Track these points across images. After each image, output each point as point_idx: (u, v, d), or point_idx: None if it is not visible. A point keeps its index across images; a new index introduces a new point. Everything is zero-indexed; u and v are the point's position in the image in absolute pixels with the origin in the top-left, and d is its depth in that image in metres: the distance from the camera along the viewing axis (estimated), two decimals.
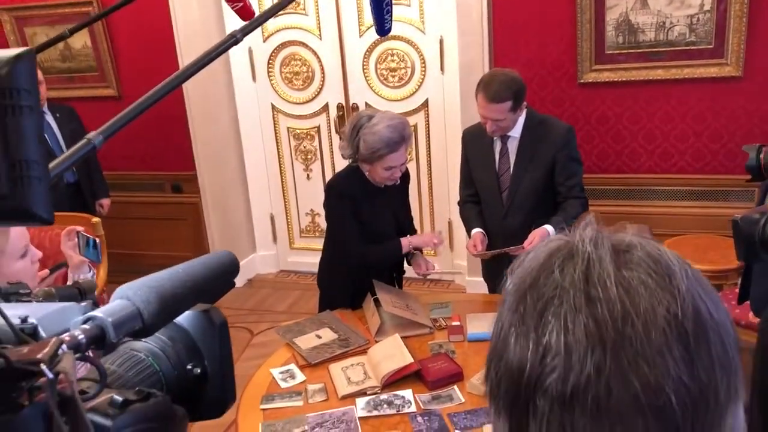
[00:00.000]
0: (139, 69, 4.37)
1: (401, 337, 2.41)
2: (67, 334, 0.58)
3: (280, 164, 4.74)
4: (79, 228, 2.63)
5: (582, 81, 3.65)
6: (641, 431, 0.53)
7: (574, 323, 0.54)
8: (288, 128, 4.63)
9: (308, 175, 4.70)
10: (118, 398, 0.64)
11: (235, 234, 4.80)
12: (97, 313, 0.62)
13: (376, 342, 2.46)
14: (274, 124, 4.65)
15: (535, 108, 2.88)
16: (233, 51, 4.41)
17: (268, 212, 4.87)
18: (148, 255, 4.83)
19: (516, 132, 2.66)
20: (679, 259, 0.58)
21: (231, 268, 0.81)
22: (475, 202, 2.86)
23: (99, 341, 0.60)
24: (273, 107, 4.61)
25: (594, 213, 0.68)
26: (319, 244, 4.11)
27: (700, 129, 3.56)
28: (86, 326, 0.60)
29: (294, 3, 4.31)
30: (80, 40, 4.47)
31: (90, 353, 0.60)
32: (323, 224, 4.76)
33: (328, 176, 4.55)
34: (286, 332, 2.62)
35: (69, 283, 2.58)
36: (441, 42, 4.06)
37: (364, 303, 2.76)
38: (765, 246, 1.30)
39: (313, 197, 4.70)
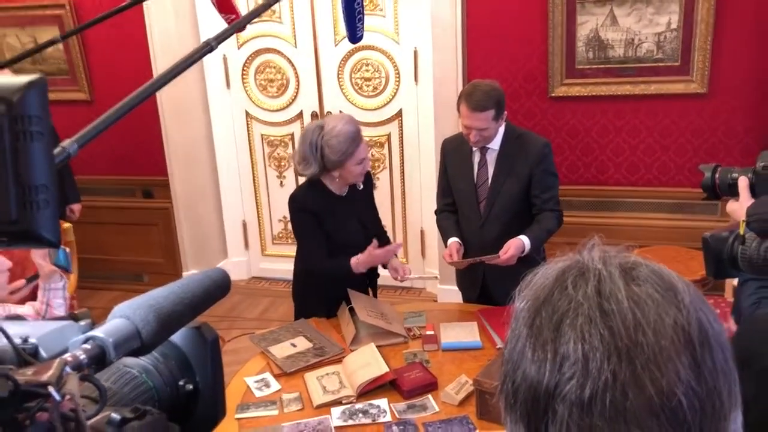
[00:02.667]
0: (112, 73, 4.32)
1: (376, 347, 2.43)
2: (69, 354, 0.59)
3: (253, 171, 4.73)
4: None
5: (553, 95, 3.72)
6: None
7: (590, 333, 0.59)
8: (262, 135, 4.63)
9: (281, 182, 4.70)
10: (116, 416, 0.65)
11: (207, 240, 4.77)
12: (98, 332, 0.63)
13: (351, 351, 2.47)
14: (248, 130, 4.64)
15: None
16: (207, 57, 4.38)
17: (240, 219, 4.86)
18: (118, 260, 4.79)
19: (495, 144, 2.71)
20: (679, 276, 0.63)
21: (223, 285, 0.82)
22: (452, 212, 2.89)
23: (99, 361, 0.62)
24: (247, 114, 4.60)
25: (598, 236, 0.72)
26: (291, 251, 4.11)
27: (666, 143, 3.65)
28: (87, 346, 0.61)
29: (269, 11, 4.31)
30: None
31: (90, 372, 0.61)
32: None
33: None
34: (261, 340, 2.62)
35: (40, 293, 2.54)
36: (415, 53, 4.11)
37: (338, 312, 2.77)
38: (733, 263, 1.36)
39: (285, 204, 4.61)
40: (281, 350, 2.54)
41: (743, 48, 3.39)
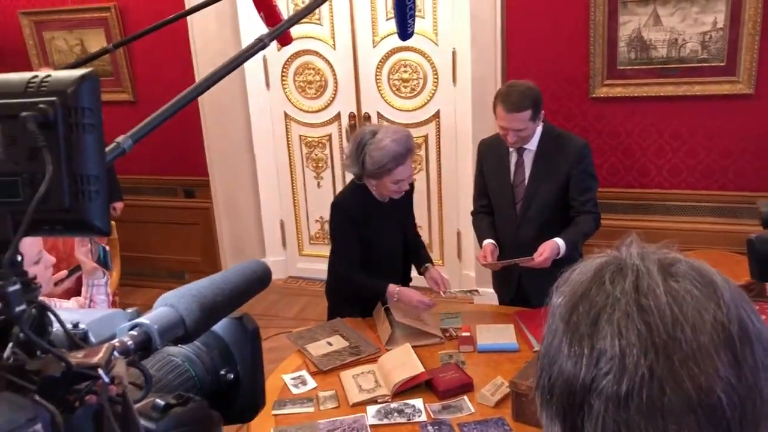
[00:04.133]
0: (155, 74, 4.41)
1: (411, 347, 2.43)
2: (117, 340, 0.61)
3: (291, 171, 4.78)
4: None
5: (594, 96, 3.68)
6: (694, 429, 0.57)
7: (627, 329, 0.59)
8: (300, 136, 4.67)
9: (318, 183, 4.73)
10: (160, 402, 0.67)
11: (245, 240, 4.84)
12: (144, 320, 0.65)
13: (387, 350, 2.48)
14: (287, 131, 4.69)
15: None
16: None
17: (278, 218, 4.91)
18: (160, 259, 4.88)
19: (532, 145, 2.68)
20: (719, 272, 0.63)
21: (264, 277, 0.84)
22: (488, 213, 2.88)
23: (145, 347, 0.63)
24: (286, 115, 4.65)
25: (635, 231, 0.72)
26: (327, 251, 4.14)
27: (710, 145, 3.58)
28: (134, 332, 0.63)
29: (309, 13, 4.35)
30: (97, 45, 4.52)
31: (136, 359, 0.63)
32: None
33: (339, 184, 4.59)
34: (298, 338, 2.65)
35: (84, 289, 2.61)
36: (454, 54, 4.10)
37: (374, 312, 2.78)
38: None
39: (322, 205, 4.72)
40: (317, 348, 2.56)
41: None
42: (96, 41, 4.49)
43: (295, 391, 2.33)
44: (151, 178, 4.79)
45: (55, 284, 2.37)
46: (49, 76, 0.56)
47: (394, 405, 2.19)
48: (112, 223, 3.52)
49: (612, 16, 3.49)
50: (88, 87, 0.55)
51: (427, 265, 2.90)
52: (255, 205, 4.87)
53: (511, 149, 2.73)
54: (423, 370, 2.28)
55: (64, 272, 2.26)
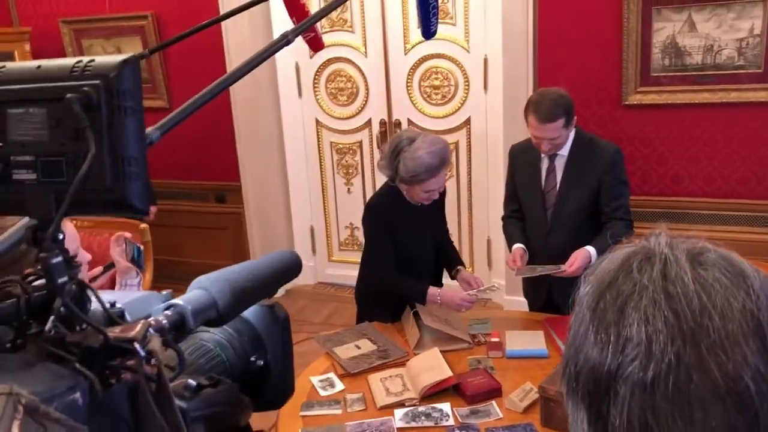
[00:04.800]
0: (189, 81, 4.49)
1: (440, 351, 2.43)
2: (152, 318, 0.63)
3: (321, 178, 4.82)
4: (127, 234, 2.72)
5: (626, 103, 3.65)
6: (721, 416, 0.56)
7: (654, 316, 0.59)
8: (331, 143, 4.71)
9: (349, 189, 4.76)
10: (192, 383, 0.69)
11: (276, 245, 4.87)
12: (178, 301, 0.67)
13: (415, 355, 2.48)
14: (318, 138, 4.73)
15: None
16: (281, 67, 4.51)
17: (308, 224, 4.94)
18: (191, 263, 4.94)
19: (564, 150, 2.67)
20: (749, 263, 0.63)
21: (294, 267, 0.85)
22: (518, 218, 2.86)
23: (180, 327, 0.65)
24: (317, 122, 4.70)
25: (665, 226, 0.72)
26: (357, 257, 4.15)
27: (746, 153, 3.52)
28: (168, 312, 0.65)
29: (342, 21, 4.40)
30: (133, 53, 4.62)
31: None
32: (362, 238, 4.79)
33: (369, 191, 4.61)
34: (326, 341, 2.66)
35: (117, 286, 2.67)
36: (485, 61, 4.10)
37: (403, 316, 2.79)
38: None
39: (352, 211, 4.76)
40: (346, 351, 2.57)
41: None
42: (132, 49, 4.58)
43: (323, 393, 2.34)
44: (183, 183, 4.87)
45: (90, 281, 2.43)
46: (92, 60, 0.58)
47: (421, 409, 2.19)
48: (146, 225, 3.59)
49: (646, 22, 3.46)
50: (129, 71, 0.58)
51: (458, 267, 2.90)
52: (285, 211, 4.91)
53: (542, 155, 2.72)
54: (451, 374, 2.27)
55: (100, 268, 2.32)
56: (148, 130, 0.68)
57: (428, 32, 1.26)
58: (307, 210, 4.92)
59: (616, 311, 0.62)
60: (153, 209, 4.26)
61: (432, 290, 2.67)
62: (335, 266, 4.95)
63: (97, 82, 0.56)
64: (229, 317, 0.72)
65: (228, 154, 4.68)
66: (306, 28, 0.94)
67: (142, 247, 2.60)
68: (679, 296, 0.59)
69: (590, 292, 0.66)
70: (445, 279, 3.01)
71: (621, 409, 0.59)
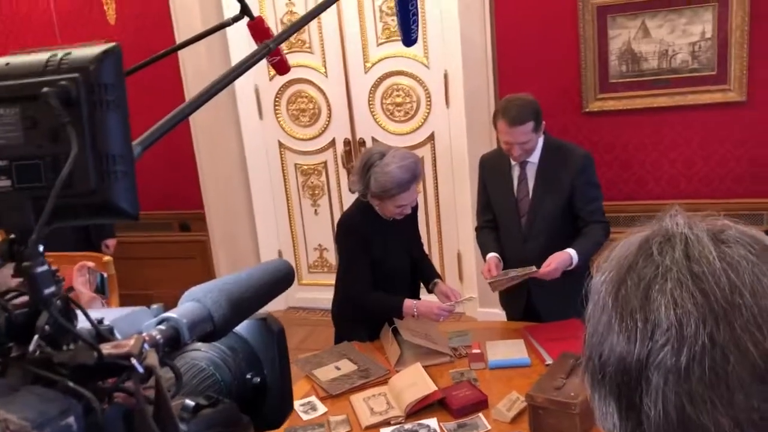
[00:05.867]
0: (148, 112, 4.39)
1: (422, 366, 2.39)
2: (145, 333, 0.58)
3: (287, 200, 4.76)
4: (90, 264, 2.62)
5: (587, 110, 3.69)
6: (763, 397, 0.53)
7: (682, 297, 0.56)
8: (295, 164, 4.66)
9: (315, 210, 4.71)
10: (190, 403, 0.64)
11: None
12: (172, 314, 0.62)
13: (397, 372, 2.43)
14: (281, 160, 4.68)
15: None
16: (240, 90, 4.46)
17: (275, 248, 4.86)
18: (157, 295, 4.81)
19: (534, 157, 2.68)
20: None
21: (287, 276, 0.81)
22: (492, 228, 2.85)
23: (174, 342, 0.60)
24: (280, 144, 4.64)
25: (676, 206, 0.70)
26: (327, 279, 4.09)
27: (706, 154, 3.58)
28: (162, 327, 0.60)
29: (300, 42, 4.37)
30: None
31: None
32: (331, 259, 4.77)
33: (336, 211, 4.57)
34: (305, 364, 2.59)
35: None
36: (446, 76, 4.12)
37: (381, 333, 2.74)
38: None
39: (320, 232, 4.70)
40: (325, 373, 2.51)
41: None
42: None
43: (305, 417, 2.27)
44: (145, 213, 4.72)
45: None
46: (69, 53, 0.53)
47: (408, 426, 2.14)
48: (110, 258, 3.48)
49: (601, 30, 3.52)
50: (110, 63, 0.53)
51: (435, 280, 2.87)
52: (252, 236, 4.83)
53: (513, 162, 2.72)
54: (435, 388, 2.23)
55: None
56: None
57: (409, 40, 1.24)
58: (274, 234, 4.85)
59: (641, 296, 0.59)
60: (112, 242, 4.14)
61: (408, 303, 2.63)
62: (306, 290, 4.87)
63: (75, 75, 0.51)
64: (226, 330, 0.67)
65: (190, 181, 4.59)
66: (286, 38, 0.91)
67: (105, 275, 2.50)
68: (706, 276, 0.57)
69: (609, 279, 0.63)
70: (423, 294, 2.98)
71: (655, 399, 0.56)
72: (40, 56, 0.53)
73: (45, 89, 0.50)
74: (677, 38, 3.43)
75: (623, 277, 0.62)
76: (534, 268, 2.53)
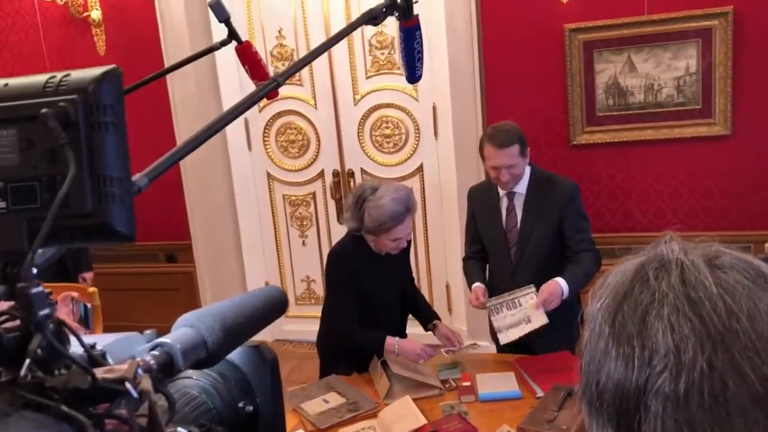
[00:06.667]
0: (135, 137, 4.39)
1: (411, 399, 2.36)
2: (139, 358, 0.56)
3: (275, 231, 4.74)
4: (74, 294, 2.60)
5: (575, 143, 3.73)
6: (763, 423, 0.53)
7: (679, 323, 0.56)
8: (284, 195, 4.65)
9: (303, 241, 4.69)
10: (183, 431, 0.62)
11: None
12: (165, 339, 0.61)
13: (386, 405, 2.40)
14: (270, 191, 4.68)
15: None
16: None
17: (262, 280, 4.83)
18: (142, 327, 4.73)
19: (522, 188, 2.70)
20: (766, 264, 0.61)
21: (281, 303, 0.80)
22: (479, 259, 2.86)
23: (168, 368, 0.59)
24: (268, 175, 4.65)
25: (670, 233, 0.70)
26: (314, 311, 4.06)
27: (692, 186, 3.62)
28: (155, 352, 0.59)
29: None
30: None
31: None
32: (319, 291, 4.74)
33: (324, 242, 4.56)
34: (293, 397, 2.55)
35: None
36: (434, 108, 4.16)
37: (370, 366, 2.71)
38: None
39: (308, 263, 4.68)
40: (314, 406, 2.47)
41: (764, 88, 3.39)
42: None
43: None
44: (130, 244, 4.70)
45: None
46: (68, 75, 0.53)
47: None
48: (95, 289, 3.44)
49: (588, 64, 3.58)
50: (110, 84, 0.53)
51: (435, 322, 2.85)
52: (239, 268, 4.79)
53: (501, 193, 2.74)
54: (425, 422, 2.20)
55: None
56: (136, 176, 0.63)
57: (413, 77, 1.26)
58: (262, 265, 4.82)
59: (637, 322, 0.59)
60: (89, 275, 4.09)
61: (390, 340, 2.61)
62: (292, 322, 4.82)
63: (74, 96, 0.51)
64: (219, 357, 0.66)
65: (177, 211, 4.57)
66: (294, 73, 0.93)
67: (89, 305, 2.47)
68: (703, 301, 0.57)
69: (605, 306, 0.63)
70: (409, 329, 2.97)
71: (654, 425, 0.56)
72: (39, 78, 0.53)
73: (44, 110, 0.50)
74: (662, 73, 3.49)
75: (620, 303, 0.62)
76: (532, 288, 2.53)
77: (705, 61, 3.40)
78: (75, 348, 0.55)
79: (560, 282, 2.51)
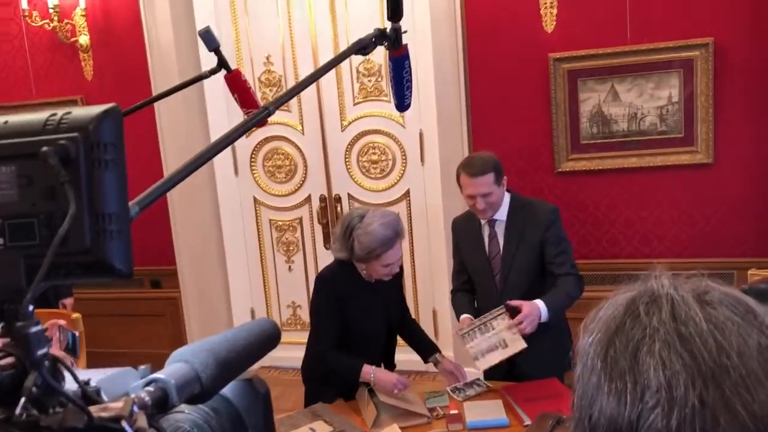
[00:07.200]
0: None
1: (399, 428, 2.34)
2: (134, 395, 0.56)
3: (261, 256, 4.73)
4: (61, 322, 2.57)
5: (560, 170, 3.77)
6: None
7: (670, 359, 0.56)
8: (270, 220, 4.65)
9: (290, 266, 4.68)
10: None
11: (215, 329, 4.67)
12: (160, 375, 0.61)
13: None
14: (256, 216, 4.67)
15: None
16: None
17: (248, 306, 4.80)
18: (126, 353, 4.69)
19: (502, 215, 2.72)
20: (754, 300, 0.62)
21: (274, 335, 0.80)
22: (467, 291, 2.87)
23: (162, 403, 0.59)
24: (255, 200, 4.65)
25: (660, 268, 0.71)
26: (301, 338, 4.02)
27: (676, 214, 3.66)
28: (150, 388, 0.59)
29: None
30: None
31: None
32: (305, 316, 4.71)
33: (311, 267, 4.55)
34: (279, 426, 2.53)
35: None
36: (421, 135, 4.19)
37: (357, 394, 2.69)
38: None
39: (294, 289, 4.67)
40: None
41: (745, 117, 3.46)
42: None
43: None
44: None
45: None
46: (69, 113, 0.54)
47: None
48: (79, 315, 3.40)
49: (572, 93, 3.63)
50: (111, 122, 0.54)
51: (436, 355, 2.84)
52: (224, 293, 4.76)
53: (483, 222, 2.76)
54: None
55: None
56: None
57: (402, 105, 1.28)
58: (247, 291, 4.79)
59: (629, 357, 0.59)
60: (69, 301, 4.04)
61: (366, 369, 2.60)
62: (278, 348, 4.64)
63: (75, 134, 0.52)
64: (214, 392, 0.66)
65: (162, 236, 4.54)
66: (285, 101, 0.94)
67: (77, 334, 2.44)
68: (693, 337, 0.58)
69: (597, 340, 0.64)
70: (404, 355, 2.97)
71: None
72: (40, 115, 0.54)
73: (44, 148, 0.50)
74: (645, 102, 3.54)
75: (611, 338, 0.62)
76: (502, 309, 2.53)
77: (687, 90, 3.47)
78: (69, 384, 0.55)
79: (539, 304, 2.52)
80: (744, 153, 3.49)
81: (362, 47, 1.22)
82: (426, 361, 2.89)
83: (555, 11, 3.61)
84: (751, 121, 3.46)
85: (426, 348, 2.91)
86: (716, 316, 0.59)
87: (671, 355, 0.57)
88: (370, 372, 2.59)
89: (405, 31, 1.31)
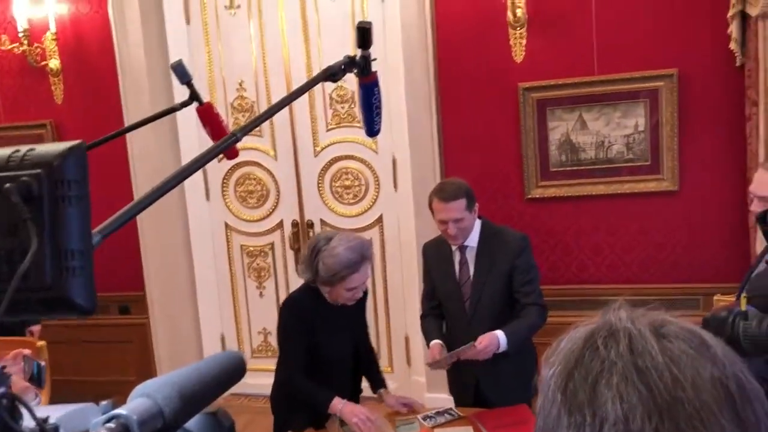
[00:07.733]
0: (94, 192, 4.33)
1: None
2: None
3: (232, 282, 4.68)
4: (26, 351, 2.51)
5: (529, 197, 3.82)
6: None
7: (627, 392, 0.57)
8: (241, 246, 4.62)
9: (261, 292, 4.64)
10: None
11: (184, 357, 4.62)
12: (121, 410, 0.60)
13: None
14: (227, 242, 4.64)
15: None
16: None
17: (218, 332, 4.75)
18: (92, 381, 4.59)
19: (473, 242, 2.75)
20: (707, 332, 0.63)
21: (239, 367, 0.80)
22: (437, 315, 2.88)
23: None
24: (226, 225, 4.62)
25: (623, 297, 0.72)
26: (271, 364, 3.98)
27: (643, 240, 3.73)
28: (111, 425, 0.58)
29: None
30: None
31: None
32: (276, 343, 4.66)
33: (282, 293, 4.51)
34: None
35: None
36: (394, 161, 4.22)
37: (327, 423, 2.67)
38: (733, 344, 1.35)
39: (265, 315, 4.62)
40: None
41: (709, 145, 3.54)
42: None
43: None
44: None
45: None
46: (32, 149, 0.54)
47: None
48: (44, 343, 3.33)
49: (541, 121, 3.70)
50: (75, 159, 0.54)
51: (380, 390, 2.84)
52: (194, 320, 4.71)
53: (453, 248, 2.78)
54: None
55: None
56: None
57: (372, 131, 1.29)
58: (217, 317, 4.74)
59: (588, 390, 0.60)
60: (36, 328, 3.96)
61: (335, 403, 2.56)
62: (248, 375, 4.51)
63: (38, 171, 0.52)
64: (177, 426, 0.65)
65: (131, 262, 4.48)
66: (252, 129, 0.94)
67: (43, 363, 2.38)
68: (650, 370, 0.59)
69: (557, 373, 0.65)
70: (365, 382, 2.95)
71: None
72: (3, 151, 0.54)
73: (7, 185, 0.50)
74: (612, 130, 3.62)
75: (571, 371, 0.63)
76: (473, 344, 2.54)
77: (653, 119, 3.55)
78: (27, 422, 0.54)
79: (499, 335, 2.54)
80: (708, 181, 3.58)
81: (332, 74, 1.23)
82: (374, 393, 2.89)
83: (524, 42, 3.68)
84: (716, 150, 3.55)
85: (375, 380, 2.91)
86: (671, 349, 0.61)
87: (628, 388, 0.59)
88: (338, 406, 2.56)
89: (374, 59, 1.33)
